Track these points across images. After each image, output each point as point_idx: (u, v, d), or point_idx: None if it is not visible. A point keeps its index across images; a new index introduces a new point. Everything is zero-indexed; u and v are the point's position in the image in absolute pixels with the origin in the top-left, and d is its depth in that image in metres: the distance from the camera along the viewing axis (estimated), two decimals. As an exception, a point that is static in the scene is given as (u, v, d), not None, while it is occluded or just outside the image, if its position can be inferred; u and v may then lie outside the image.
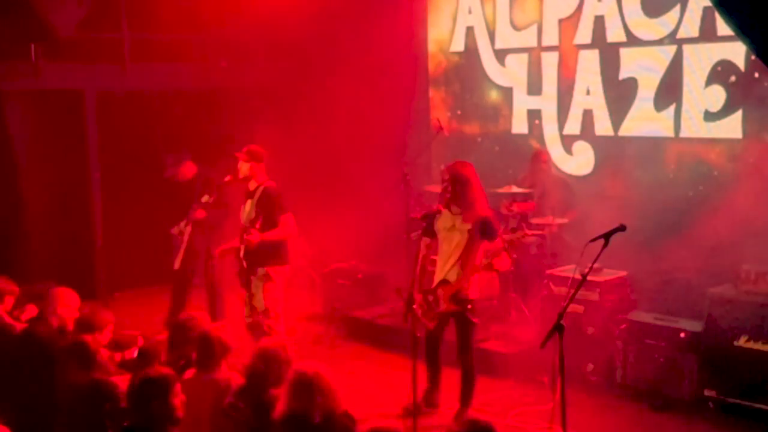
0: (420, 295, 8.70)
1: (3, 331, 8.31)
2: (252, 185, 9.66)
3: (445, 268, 8.70)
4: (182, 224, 11.11)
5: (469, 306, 8.56)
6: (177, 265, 11.20)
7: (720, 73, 10.38)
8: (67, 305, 8.24)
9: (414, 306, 8.14)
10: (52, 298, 8.25)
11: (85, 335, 7.51)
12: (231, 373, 6.85)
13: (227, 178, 10.26)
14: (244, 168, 9.65)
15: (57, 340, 7.82)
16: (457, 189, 8.63)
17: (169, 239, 11.47)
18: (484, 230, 8.39)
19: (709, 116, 10.52)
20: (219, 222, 10.94)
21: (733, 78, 10.31)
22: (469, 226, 8.48)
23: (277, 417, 6.01)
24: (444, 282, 8.66)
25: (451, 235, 8.67)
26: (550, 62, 12.04)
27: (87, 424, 6.92)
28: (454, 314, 8.62)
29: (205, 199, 10.79)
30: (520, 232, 8.50)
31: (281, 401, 6.03)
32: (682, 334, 9.05)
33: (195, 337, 7.02)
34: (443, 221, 8.77)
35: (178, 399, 5.96)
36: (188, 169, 11.29)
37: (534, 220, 11.05)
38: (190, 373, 6.91)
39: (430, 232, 8.92)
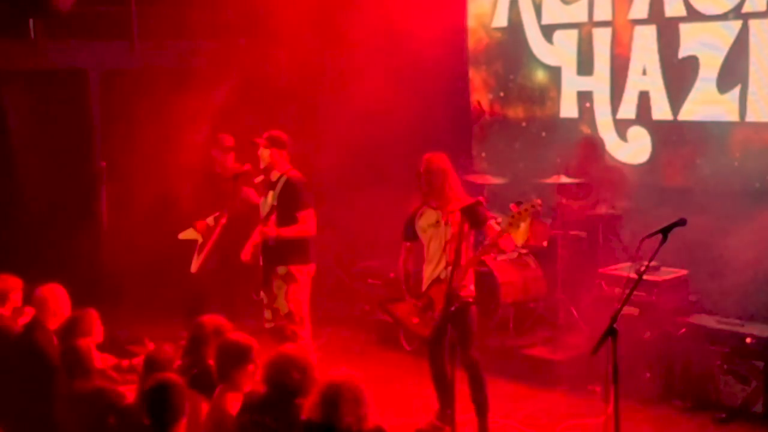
0: (411, 302, 8.91)
1: (1, 334, 8.43)
2: (274, 175, 9.72)
3: (438, 267, 8.82)
4: (210, 219, 10.96)
5: (470, 300, 8.68)
6: (196, 267, 11.06)
7: (790, 50, 10.42)
8: (62, 302, 8.34)
9: (405, 316, 8.46)
10: (44, 298, 8.35)
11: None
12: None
13: (246, 167, 10.32)
14: (264, 155, 9.70)
15: (55, 345, 7.93)
16: (436, 182, 8.78)
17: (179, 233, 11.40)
18: (472, 218, 8.37)
19: (778, 98, 10.54)
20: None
21: (804, 56, 10.34)
22: (455, 217, 8.48)
23: (299, 429, 6.01)
24: (437, 281, 8.78)
25: (438, 230, 8.81)
26: (602, 39, 12.07)
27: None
28: (451, 314, 8.30)
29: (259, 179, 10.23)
30: (526, 204, 8.38)
31: (306, 411, 5.97)
32: (748, 340, 9.11)
33: (214, 342, 7.05)
34: (426, 219, 8.92)
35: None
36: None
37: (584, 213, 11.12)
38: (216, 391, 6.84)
39: (411, 234, 9.07)
